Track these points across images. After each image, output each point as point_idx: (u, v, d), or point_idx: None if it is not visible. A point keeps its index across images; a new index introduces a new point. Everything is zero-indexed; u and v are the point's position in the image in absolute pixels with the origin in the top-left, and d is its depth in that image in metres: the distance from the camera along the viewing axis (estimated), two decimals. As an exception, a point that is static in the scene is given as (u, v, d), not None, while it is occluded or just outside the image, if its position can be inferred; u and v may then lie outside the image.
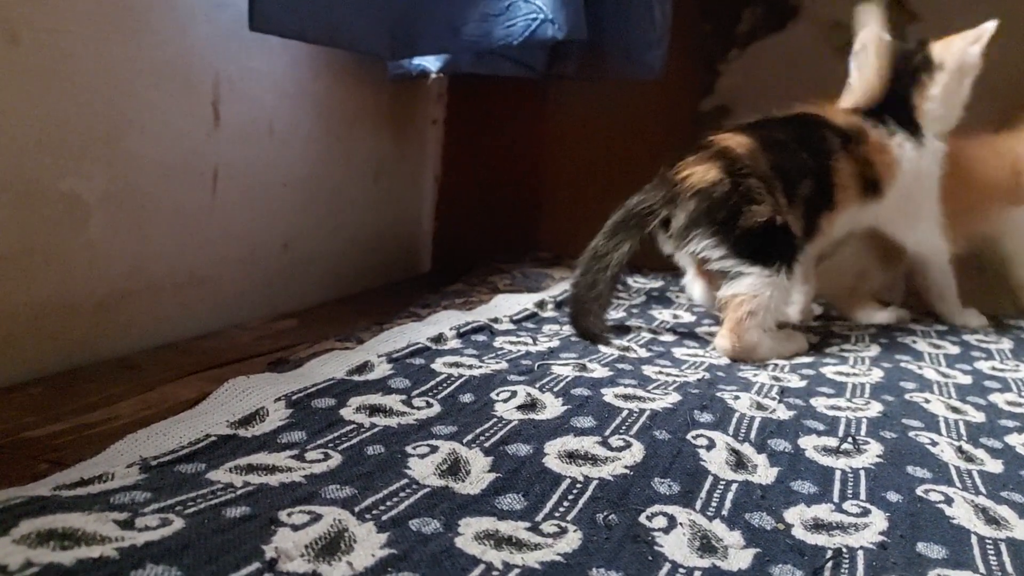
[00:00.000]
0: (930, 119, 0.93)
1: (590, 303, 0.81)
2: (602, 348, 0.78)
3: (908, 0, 1.93)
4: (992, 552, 0.45)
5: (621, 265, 0.80)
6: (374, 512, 0.42)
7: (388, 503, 0.43)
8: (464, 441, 0.52)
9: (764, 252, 0.79)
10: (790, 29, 2.06)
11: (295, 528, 0.38)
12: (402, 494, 0.44)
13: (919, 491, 0.51)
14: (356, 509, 0.42)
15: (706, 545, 0.43)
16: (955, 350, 0.89)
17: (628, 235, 0.80)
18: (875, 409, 0.66)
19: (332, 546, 0.38)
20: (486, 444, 0.52)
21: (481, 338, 0.77)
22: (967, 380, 0.78)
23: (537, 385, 0.63)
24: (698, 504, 0.47)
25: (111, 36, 0.73)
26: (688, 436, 0.56)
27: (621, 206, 0.82)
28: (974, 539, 0.46)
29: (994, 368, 0.82)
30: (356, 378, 0.62)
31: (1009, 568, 0.43)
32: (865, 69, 0.98)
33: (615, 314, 0.94)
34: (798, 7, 2.05)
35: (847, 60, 2.00)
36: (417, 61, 1.03)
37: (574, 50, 1.08)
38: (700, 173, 0.79)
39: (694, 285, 0.88)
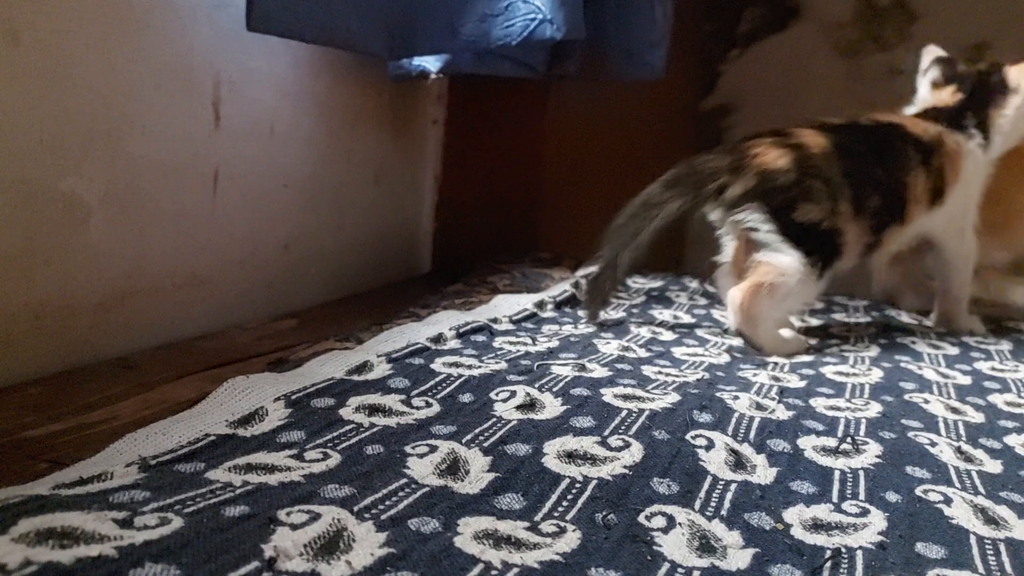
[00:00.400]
0: (998, 133, 0.96)
1: (623, 253, 0.81)
2: (601, 348, 0.78)
3: (909, 1, 1.93)
4: (991, 552, 0.45)
5: (669, 219, 0.80)
6: (373, 511, 0.42)
7: (387, 502, 0.43)
8: (463, 441, 0.52)
9: (808, 244, 0.80)
10: (791, 29, 2.06)
11: (294, 527, 0.38)
12: (401, 493, 0.44)
13: (918, 491, 0.51)
14: (355, 508, 0.42)
15: (705, 545, 0.43)
16: (954, 351, 0.89)
17: (685, 190, 0.80)
18: (874, 409, 0.66)
19: (331, 545, 0.38)
20: (485, 444, 0.52)
21: (480, 338, 0.77)
22: (966, 381, 0.78)
23: (536, 385, 0.63)
24: (697, 504, 0.47)
25: (112, 36, 0.73)
26: (687, 436, 0.56)
27: (685, 161, 0.82)
28: (973, 539, 0.46)
29: (993, 369, 0.82)
30: (355, 378, 0.62)
31: (1008, 568, 0.43)
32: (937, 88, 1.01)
33: (614, 314, 0.94)
34: (799, 7, 2.05)
35: (849, 61, 2.00)
36: (417, 61, 1.03)
37: (575, 50, 1.08)
38: (772, 156, 0.81)
39: (725, 278, 0.87)
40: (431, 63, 1.03)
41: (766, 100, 2.10)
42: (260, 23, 0.76)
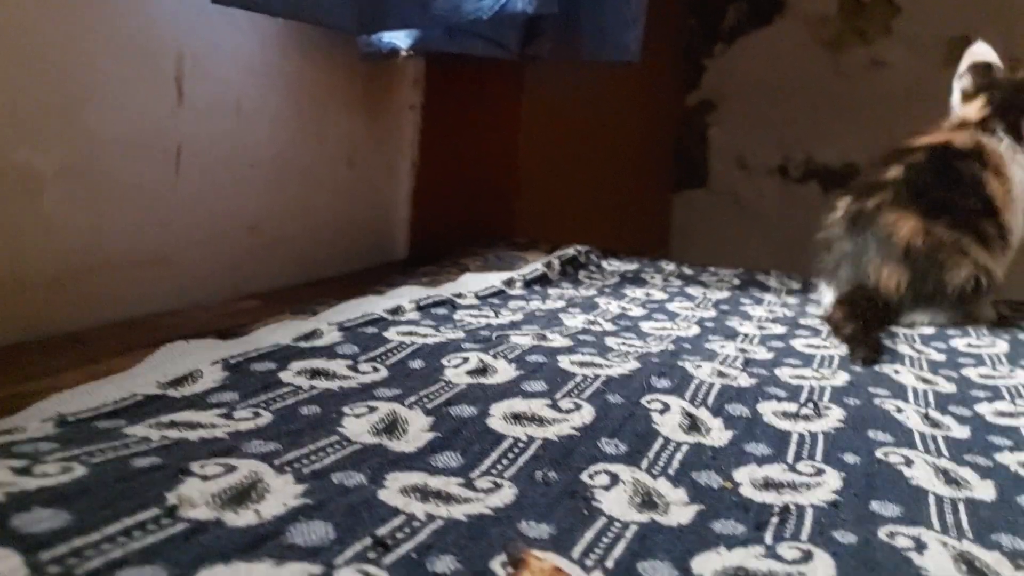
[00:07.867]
0: None
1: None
2: (567, 321, 0.76)
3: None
4: (949, 510, 0.43)
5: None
6: (295, 465, 0.40)
7: (312, 457, 0.41)
8: (406, 403, 0.50)
9: (972, 302, 0.87)
10: (775, 24, 2.06)
11: (205, 479, 0.36)
12: (329, 450, 0.42)
13: (878, 453, 0.50)
14: (276, 463, 0.40)
15: (647, 501, 0.41)
16: (930, 330, 0.86)
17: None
18: (842, 378, 0.64)
19: (241, 495, 0.36)
20: (428, 405, 0.50)
21: (441, 311, 0.75)
22: (941, 357, 0.76)
23: (491, 352, 0.61)
24: (644, 463, 0.45)
25: (69, 4, 0.71)
26: (642, 400, 0.54)
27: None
28: (931, 498, 0.44)
29: (969, 345, 0.80)
30: (302, 344, 0.60)
31: (965, 524, 0.42)
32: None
33: (585, 292, 0.92)
34: (783, 2, 2.04)
35: (833, 54, 1.99)
36: (387, 38, 1.02)
37: (548, 29, 1.07)
38: (892, 279, 0.86)
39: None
40: (401, 40, 1.01)
41: (751, 94, 2.09)
42: (221, -7, 0.74)
